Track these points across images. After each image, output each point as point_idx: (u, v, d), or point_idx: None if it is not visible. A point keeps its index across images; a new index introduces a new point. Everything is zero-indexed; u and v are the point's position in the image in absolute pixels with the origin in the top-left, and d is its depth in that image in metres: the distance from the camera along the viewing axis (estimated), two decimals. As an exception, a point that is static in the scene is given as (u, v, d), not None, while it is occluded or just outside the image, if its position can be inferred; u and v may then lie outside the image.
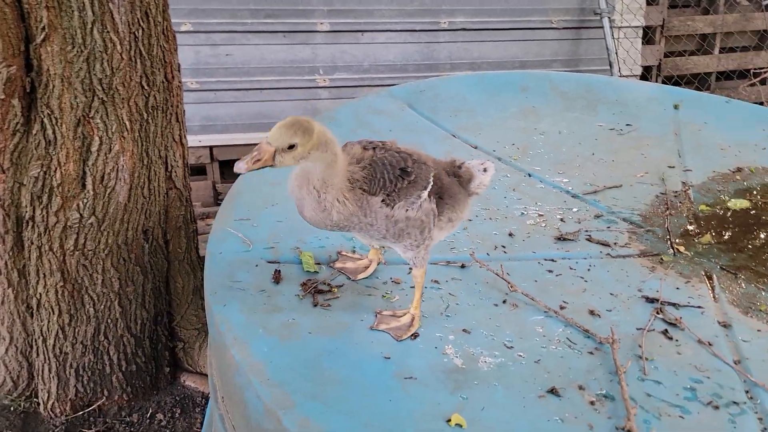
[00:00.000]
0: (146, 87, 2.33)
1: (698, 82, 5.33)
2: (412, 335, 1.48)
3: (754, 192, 2.25)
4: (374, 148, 1.45)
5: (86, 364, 2.53)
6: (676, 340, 1.55)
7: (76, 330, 2.47)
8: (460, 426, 1.26)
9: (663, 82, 5.14)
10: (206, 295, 1.59)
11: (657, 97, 2.93)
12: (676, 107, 2.85)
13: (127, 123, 2.29)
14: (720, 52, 5.41)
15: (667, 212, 2.09)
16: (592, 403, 1.35)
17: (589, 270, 1.79)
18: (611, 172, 2.32)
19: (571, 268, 1.79)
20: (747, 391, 1.42)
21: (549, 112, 2.75)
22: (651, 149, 2.50)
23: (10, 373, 2.58)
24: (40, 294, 2.41)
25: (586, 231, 1.96)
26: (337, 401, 1.29)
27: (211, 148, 4.29)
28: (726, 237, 2.01)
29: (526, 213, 2.04)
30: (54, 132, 2.20)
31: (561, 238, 1.91)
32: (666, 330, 1.58)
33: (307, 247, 1.75)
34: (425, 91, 2.78)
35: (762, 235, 2.04)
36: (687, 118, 2.76)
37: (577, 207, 2.09)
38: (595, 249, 1.89)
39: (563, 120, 2.69)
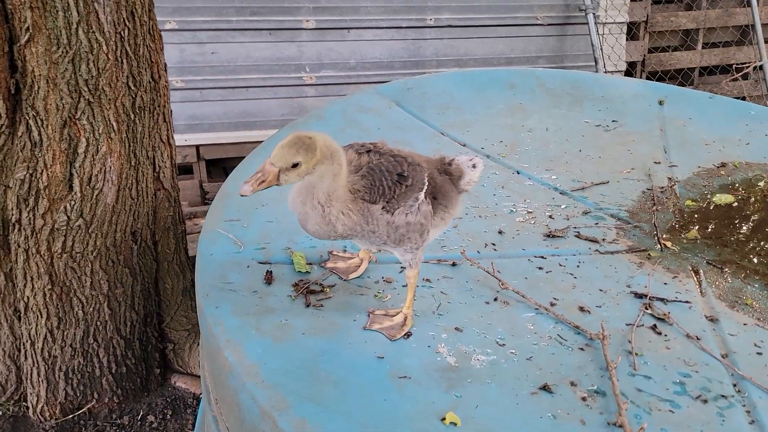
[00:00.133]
0: (133, 87, 2.31)
1: (682, 77, 5.38)
2: (405, 334, 1.49)
3: (738, 187, 2.28)
4: (368, 152, 1.46)
5: (76, 367, 2.51)
6: (665, 335, 1.57)
7: (65, 333, 2.46)
8: (455, 424, 1.27)
9: (647, 78, 5.19)
10: (198, 298, 1.59)
11: (642, 93, 2.96)
12: (660, 103, 2.87)
13: (114, 124, 2.27)
14: (703, 48, 5.46)
15: (654, 208, 2.11)
16: (584, 398, 1.37)
17: (578, 266, 1.81)
18: (598, 168, 2.34)
19: (560, 265, 1.81)
20: (734, 385, 1.44)
21: (536, 109, 2.76)
22: (637, 145, 2.53)
23: (-2, 377, 2.57)
24: (27, 297, 2.39)
25: (575, 227, 1.98)
26: (332, 402, 1.29)
27: (197, 147, 4.26)
28: (711, 232, 2.04)
29: (515, 210, 2.05)
30: (40, 134, 2.18)
31: (550, 235, 1.93)
32: (655, 325, 1.60)
33: (299, 247, 1.75)
34: (413, 89, 2.78)
35: (746, 230, 2.07)
36: (672, 114, 2.79)
37: (565, 204, 2.11)
38: (584, 245, 1.91)
39: (550, 117, 2.71)
